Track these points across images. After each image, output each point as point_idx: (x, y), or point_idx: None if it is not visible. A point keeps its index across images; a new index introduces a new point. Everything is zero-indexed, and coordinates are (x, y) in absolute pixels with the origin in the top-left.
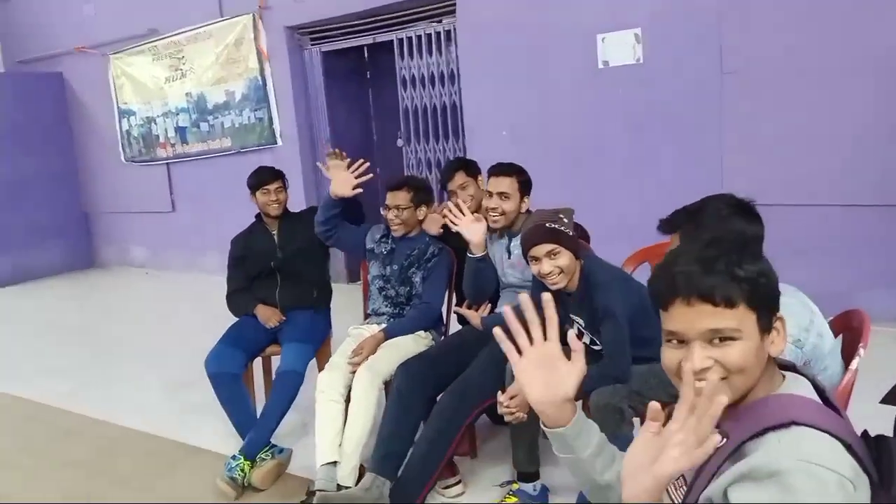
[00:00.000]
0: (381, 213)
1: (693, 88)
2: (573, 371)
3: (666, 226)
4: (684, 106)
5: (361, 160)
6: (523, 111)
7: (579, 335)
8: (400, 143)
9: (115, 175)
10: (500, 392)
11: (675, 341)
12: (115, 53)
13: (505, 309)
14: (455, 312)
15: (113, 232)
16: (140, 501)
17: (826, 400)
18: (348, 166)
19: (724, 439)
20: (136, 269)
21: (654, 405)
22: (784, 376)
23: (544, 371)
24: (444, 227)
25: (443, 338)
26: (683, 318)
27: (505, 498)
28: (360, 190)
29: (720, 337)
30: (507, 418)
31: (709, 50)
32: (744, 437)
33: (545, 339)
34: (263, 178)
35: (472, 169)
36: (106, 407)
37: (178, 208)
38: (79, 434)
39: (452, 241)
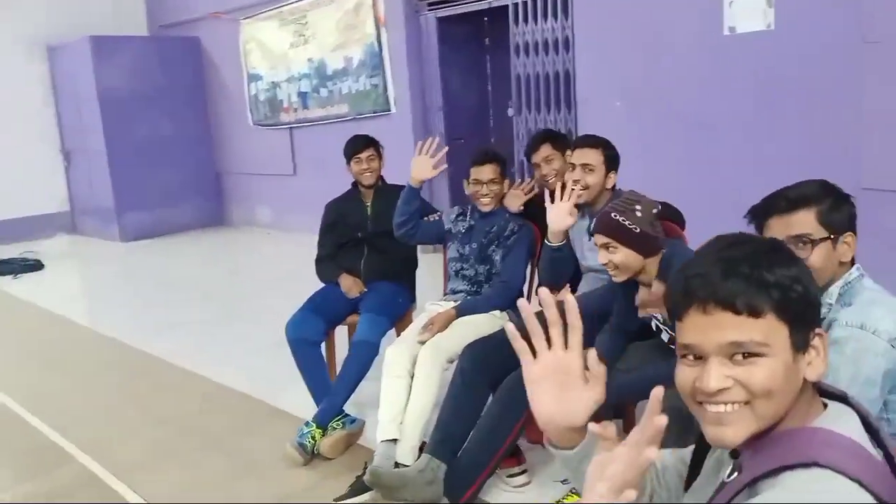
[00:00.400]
0: (467, 190)
1: (830, 59)
2: (588, 398)
3: (756, 217)
4: (819, 78)
5: (431, 138)
6: (640, 81)
7: (657, 331)
8: (510, 112)
9: (243, 138)
10: None
11: (690, 357)
12: (245, 19)
13: (520, 303)
14: (536, 294)
15: (241, 192)
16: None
17: (879, 442)
18: (422, 151)
19: (737, 473)
20: (260, 229)
21: (600, 427)
22: (826, 406)
23: (556, 386)
24: (526, 203)
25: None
26: (699, 328)
27: (566, 496)
28: (444, 166)
29: (743, 352)
30: None
31: (849, 16)
32: (759, 473)
33: (566, 347)
34: (355, 146)
35: (559, 142)
36: (212, 364)
37: (299, 172)
38: (180, 389)
39: (534, 217)
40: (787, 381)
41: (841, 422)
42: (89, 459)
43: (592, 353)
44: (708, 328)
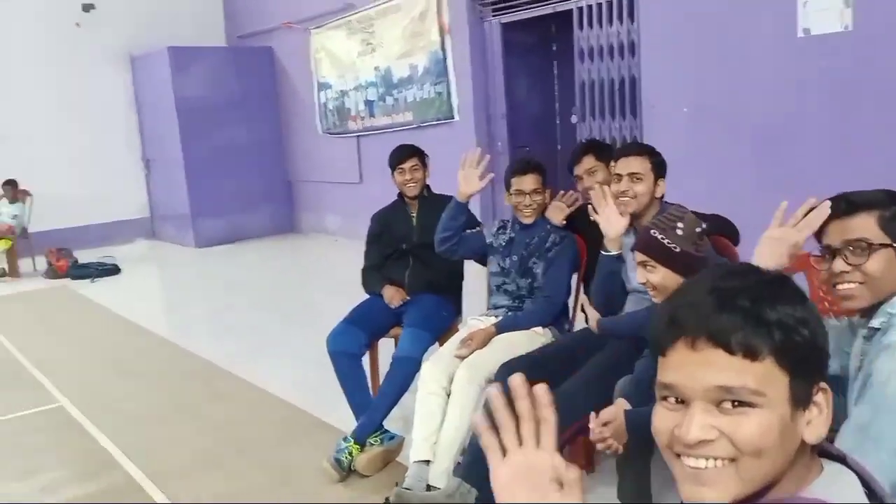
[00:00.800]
0: (508, 201)
1: None
2: None
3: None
4: None
5: (474, 150)
6: (708, 86)
7: None
8: (574, 118)
9: (313, 146)
10: (593, 414)
11: (671, 400)
12: (315, 28)
13: (490, 392)
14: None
15: (311, 200)
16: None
17: None
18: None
19: None
20: (328, 237)
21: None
22: (822, 469)
23: (528, 490)
24: (570, 216)
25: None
26: (685, 366)
27: None
28: (491, 175)
29: (733, 400)
30: (598, 446)
31: None
32: None
33: (537, 444)
34: (399, 157)
35: (603, 153)
36: (268, 371)
37: (366, 180)
38: (232, 398)
39: (579, 230)
40: (782, 440)
41: (837, 487)
42: (134, 467)
43: (559, 460)
44: (694, 367)
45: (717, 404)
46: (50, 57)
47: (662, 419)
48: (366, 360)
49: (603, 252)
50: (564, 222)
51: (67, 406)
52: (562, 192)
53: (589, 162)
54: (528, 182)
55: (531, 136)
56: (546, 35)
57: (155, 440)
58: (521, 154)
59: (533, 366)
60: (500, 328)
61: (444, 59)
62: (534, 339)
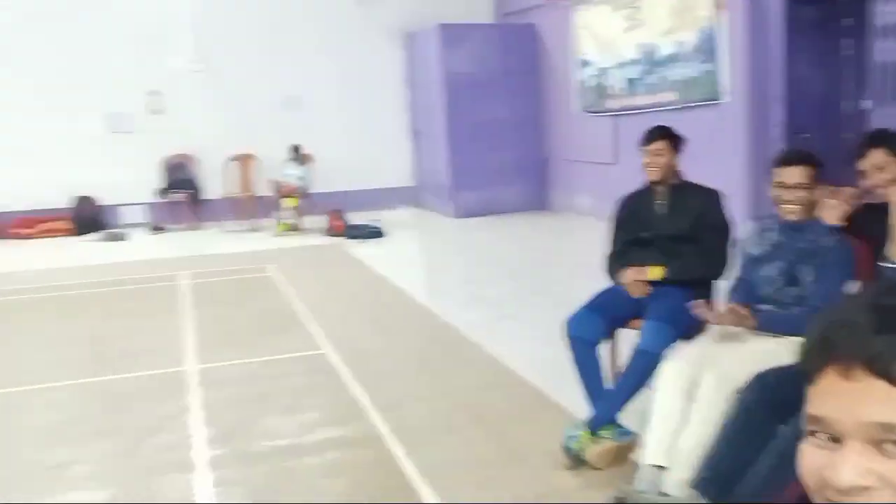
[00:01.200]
0: (771, 194)
1: None
2: None
3: None
4: None
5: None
6: None
7: None
8: (867, 104)
9: (568, 124)
10: None
11: (822, 436)
12: (579, 5)
13: None
14: None
15: (563, 178)
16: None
17: None
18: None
19: None
20: (579, 216)
21: None
22: None
23: None
24: (850, 217)
25: None
26: (837, 397)
27: None
28: None
29: (895, 441)
30: None
31: None
32: None
33: None
34: (645, 137)
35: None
36: (504, 343)
37: (621, 161)
38: (469, 365)
39: (863, 232)
40: None
41: None
42: (379, 419)
43: None
44: (848, 399)
45: (876, 444)
46: (333, 31)
47: (812, 457)
48: (605, 349)
49: (880, 262)
50: (842, 224)
51: (329, 354)
52: (832, 188)
53: (878, 156)
54: (793, 174)
55: (811, 121)
56: (836, 10)
57: (400, 397)
58: (797, 141)
59: (794, 379)
60: (762, 323)
61: (715, 35)
62: (792, 350)
